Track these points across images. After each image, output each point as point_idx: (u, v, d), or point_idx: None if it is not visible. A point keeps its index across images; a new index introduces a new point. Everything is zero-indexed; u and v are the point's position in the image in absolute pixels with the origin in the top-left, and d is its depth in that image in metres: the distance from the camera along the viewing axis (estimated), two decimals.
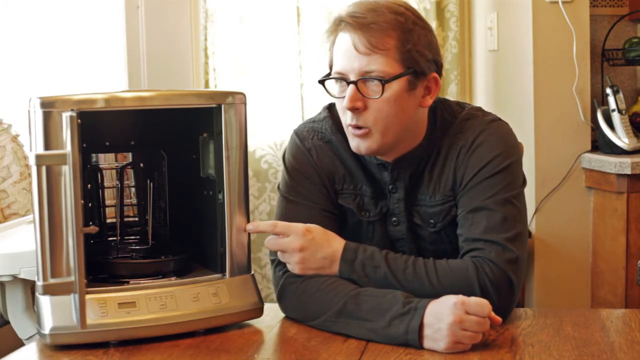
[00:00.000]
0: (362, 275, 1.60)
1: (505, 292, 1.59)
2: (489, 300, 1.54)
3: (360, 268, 1.61)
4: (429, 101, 1.69)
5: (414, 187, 1.74)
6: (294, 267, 1.64)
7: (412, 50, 1.63)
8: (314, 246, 1.62)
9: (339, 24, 1.65)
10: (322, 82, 1.69)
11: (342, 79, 1.65)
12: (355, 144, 1.68)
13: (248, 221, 1.65)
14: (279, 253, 1.65)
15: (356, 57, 1.62)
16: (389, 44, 1.61)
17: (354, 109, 1.64)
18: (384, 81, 1.61)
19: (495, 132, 1.71)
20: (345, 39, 1.63)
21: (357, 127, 1.65)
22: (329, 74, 1.69)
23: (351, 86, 1.63)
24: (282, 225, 1.63)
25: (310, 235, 1.62)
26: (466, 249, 1.63)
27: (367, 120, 1.64)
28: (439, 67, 1.69)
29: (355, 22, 1.62)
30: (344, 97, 1.65)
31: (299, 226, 1.62)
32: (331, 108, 1.81)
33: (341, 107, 1.68)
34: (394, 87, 1.62)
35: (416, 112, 1.69)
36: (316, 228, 1.63)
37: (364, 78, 1.62)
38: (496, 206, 1.63)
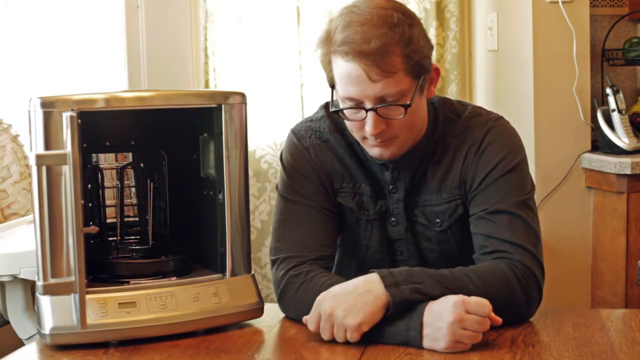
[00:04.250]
0: (413, 291, 1.51)
1: (535, 295, 1.60)
2: (523, 301, 1.58)
3: (405, 284, 1.51)
4: (433, 90, 1.70)
5: (416, 188, 1.74)
6: (347, 321, 1.49)
7: (417, 58, 1.60)
8: (338, 295, 1.52)
9: (342, 54, 1.58)
10: (337, 112, 1.65)
11: (358, 105, 1.62)
12: (378, 152, 1.67)
13: (248, 221, 1.65)
14: (335, 333, 1.52)
15: (369, 85, 1.58)
16: (397, 63, 1.58)
17: (379, 133, 1.62)
18: (407, 106, 1.60)
19: (503, 129, 1.72)
20: (352, 67, 1.58)
21: (383, 140, 1.64)
22: (334, 87, 1.65)
23: (372, 114, 1.60)
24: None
25: (327, 295, 1.53)
26: (491, 249, 1.62)
27: (392, 133, 1.64)
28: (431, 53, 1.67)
29: (361, 51, 1.56)
30: (359, 119, 1.63)
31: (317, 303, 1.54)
32: (328, 107, 1.81)
33: (356, 125, 1.65)
34: (414, 100, 1.62)
35: (424, 107, 1.70)
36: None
37: (383, 105, 1.59)
38: (516, 209, 1.64)
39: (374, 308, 1.49)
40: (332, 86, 1.66)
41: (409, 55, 1.59)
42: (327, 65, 1.64)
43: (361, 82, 1.58)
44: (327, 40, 1.62)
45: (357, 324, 1.48)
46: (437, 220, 1.74)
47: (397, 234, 1.77)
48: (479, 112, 1.75)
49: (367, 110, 1.60)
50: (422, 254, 1.77)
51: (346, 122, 1.69)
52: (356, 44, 1.57)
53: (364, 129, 1.64)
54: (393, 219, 1.76)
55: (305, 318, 1.55)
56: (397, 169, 1.72)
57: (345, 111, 1.64)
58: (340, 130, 1.77)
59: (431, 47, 1.66)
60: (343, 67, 1.60)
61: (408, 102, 1.60)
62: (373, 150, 1.68)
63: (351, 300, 1.49)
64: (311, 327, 1.53)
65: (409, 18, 1.62)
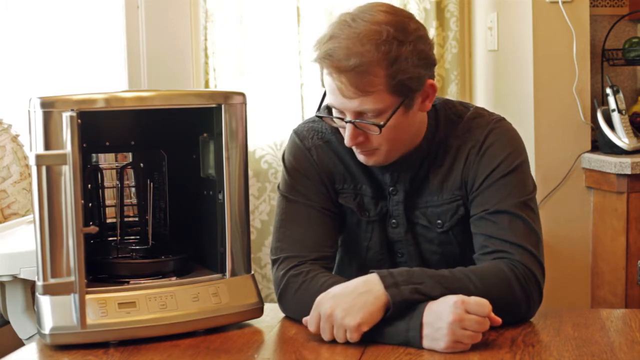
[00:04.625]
0: (413, 291, 1.51)
1: (535, 295, 1.60)
2: (523, 301, 1.57)
3: (405, 284, 1.51)
4: (429, 105, 1.68)
5: (416, 190, 1.74)
6: (347, 322, 1.48)
7: (401, 78, 1.57)
8: (337, 296, 1.51)
9: (321, 62, 1.59)
10: (320, 117, 1.69)
11: (339, 114, 1.64)
12: (362, 159, 1.69)
13: (248, 221, 1.65)
14: (335, 334, 1.51)
15: (348, 99, 1.58)
16: (377, 83, 1.56)
17: (357, 144, 1.63)
18: (380, 126, 1.59)
19: (505, 131, 1.72)
20: (330, 80, 1.59)
21: (364, 150, 1.66)
22: (322, 103, 1.68)
23: (349, 125, 1.61)
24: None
25: (327, 295, 1.52)
26: (492, 249, 1.62)
27: (372, 146, 1.65)
28: (432, 70, 1.65)
29: (339, 66, 1.55)
30: (342, 127, 1.65)
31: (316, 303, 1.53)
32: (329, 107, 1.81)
33: (341, 131, 1.68)
34: (392, 118, 1.60)
35: (417, 118, 1.69)
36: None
37: (359, 120, 1.60)
38: (517, 210, 1.64)
39: (374, 308, 1.49)
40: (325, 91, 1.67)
41: (392, 75, 1.57)
42: (321, 71, 1.65)
43: (339, 96, 1.59)
44: (316, 47, 1.62)
45: (356, 324, 1.48)
46: (439, 221, 1.73)
47: (397, 235, 1.77)
48: (481, 113, 1.75)
49: (346, 122, 1.62)
50: (422, 255, 1.77)
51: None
52: (336, 60, 1.56)
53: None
54: (393, 220, 1.76)
55: (305, 319, 1.55)
56: (397, 171, 1.72)
57: (326, 118, 1.67)
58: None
59: (429, 65, 1.62)
60: (325, 77, 1.61)
61: (382, 123, 1.59)
62: (358, 156, 1.70)
63: (350, 300, 1.49)
64: (311, 327, 1.53)
65: (403, 35, 1.57)
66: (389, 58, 1.56)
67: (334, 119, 1.66)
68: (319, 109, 1.71)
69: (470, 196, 1.70)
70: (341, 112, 1.63)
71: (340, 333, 1.50)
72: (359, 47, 1.55)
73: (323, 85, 1.67)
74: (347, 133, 1.63)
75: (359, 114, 1.60)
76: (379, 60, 1.55)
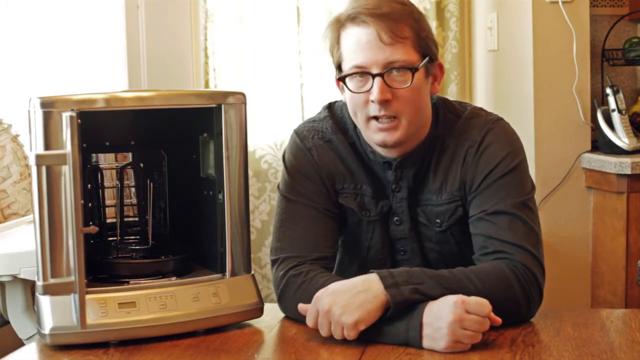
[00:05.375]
0: (413, 291, 1.51)
1: (535, 295, 1.60)
2: (524, 301, 1.58)
3: (405, 285, 1.51)
4: (437, 87, 1.72)
5: (418, 187, 1.74)
6: (344, 319, 1.48)
7: (426, 37, 1.66)
8: (336, 292, 1.51)
9: (353, 19, 1.64)
10: (342, 79, 1.67)
11: (364, 72, 1.64)
12: (381, 137, 1.67)
13: (248, 221, 1.65)
14: (333, 330, 1.51)
15: (380, 49, 1.62)
16: (407, 32, 1.64)
17: (384, 101, 1.63)
18: (414, 69, 1.63)
19: (502, 131, 1.72)
20: (364, 32, 1.63)
21: (387, 118, 1.65)
22: (340, 70, 1.68)
23: (378, 79, 1.63)
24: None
25: (325, 292, 1.52)
26: (491, 249, 1.62)
27: (396, 109, 1.65)
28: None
29: (374, 13, 1.62)
30: (364, 91, 1.65)
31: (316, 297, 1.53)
32: (331, 107, 1.81)
33: (360, 101, 1.66)
34: (418, 75, 1.64)
35: (428, 101, 1.71)
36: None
37: (391, 69, 1.63)
38: (516, 210, 1.64)
39: (372, 307, 1.49)
40: (339, 67, 1.69)
41: (418, 31, 1.65)
42: (335, 45, 1.68)
43: (371, 47, 1.62)
44: (336, 21, 1.67)
45: (354, 321, 1.48)
46: (437, 220, 1.74)
47: (401, 232, 1.76)
48: (478, 113, 1.75)
49: (373, 77, 1.62)
50: (424, 252, 1.77)
51: (350, 104, 1.69)
52: (369, 8, 1.63)
53: (368, 104, 1.65)
54: (396, 218, 1.76)
55: (301, 306, 1.55)
56: (400, 168, 1.72)
57: (350, 83, 1.66)
58: (342, 131, 1.77)
59: (436, 43, 1.71)
60: (354, 34, 1.64)
61: (416, 66, 1.63)
62: (377, 135, 1.67)
63: (348, 298, 1.49)
64: (309, 322, 1.53)
65: (417, 8, 1.70)
66: (414, 16, 1.66)
67: (357, 83, 1.65)
68: (338, 81, 1.70)
69: (469, 197, 1.70)
70: (366, 72, 1.63)
71: (337, 330, 1.50)
72: (389, 2, 1.65)
73: (337, 64, 1.69)
74: (375, 89, 1.63)
75: (387, 66, 1.62)
76: (407, 14, 1.65)
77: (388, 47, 1.61)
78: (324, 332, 1.51)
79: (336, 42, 1.68)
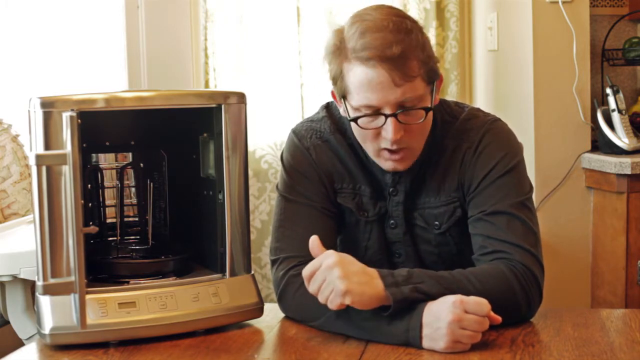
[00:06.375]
0: (413, 290, 1.50)
1: (535, 295, 1.60)
2: (524, 301, 1.57)
3: (405, 284, 1.51)
4: (438, 98, 1.69)
5: (415, 191, 1.74)
6: (339, 282, 1.47)
7: (430, 62, 1.62)
8: (345, 260, 1.50)
9: (363, 61, 1.57)
10: (355, 120, 1.62)
11: (376, 112, 1.60)
12: (393, 166, 1.67)
13: (248, 221, 1.65)
14: (322, 288, 1.50)
15: (391, 89, 1.57)
16: (417, 68, 1.59)
17: (398, 140, 1.61)
18: (427, 109, 1.61)
19: (500, 131, 1.72)
20: (374, 74, 1.57)
21: (399, 149, 1.63)
22: (345, 97, 1.63)
23: (392, 120, 1.59)
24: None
25: (336, 254, 1.51)
26: (490, 249, 1.62)
27: (409, 142, 1.64)
28: None
29: (384, 57, 1.56)
30: (374, 127, 1.62)
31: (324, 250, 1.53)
32: (329, 107, 1.81)
33: (370, 134, 1.64)
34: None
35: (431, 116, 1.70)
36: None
37: (405, 109, 1.59)
38: (514, 210, 1.64)
39: (370, 292, 1.47)
40: (343, 96, 1.64)
41: (425, 61, 1.60)
42: (339, 76, 1.63)
43: (382, 88, 1.57)
44: (340, 50, 1.61)
45: (346, 289, 1.46)
46: (436, 222, 1.73)
47: (396, 236, 1.77)
48: (475, 114, 1.75)
49: (386, 117, 1.59)
50: (420, 256, 1.77)
51: (358, 134, 1.68)
52: (378, 49, 1.56)
53: (379, 138, 1.63)
54: (392, 221, 1.76)
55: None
56: (398, 172, 1.72)
57: (361, 121, 1.63)
58: (341, 131, 1.76)
59: (437, 59, 1.67)
60: (362, 74, 1.58)
61: (429, 105, 1.61)
62: (387, 163, 1.67)
63: (355, 270, 1.48)
64: (306, 271, 1.51)
65: (418, 25, 1.64)
66: (419, 45, 1.60)
67: (368, 121, 1.61)
68: (345, 112, 1.66)
69: (467, 197, 1.70)
70: (377, 110, 1.60)
71: (327, 290, 1.48)
72: (394, 36, 1.57)
73: (341, 94, 1.63)
74: (389, 129, 1.60)
75: (399, 106, 1.59)
76: (414, 46, 1.59)
77: (400, 88, 1.57)
78: (314, 287, 1.50)
79: (339, 73, 1.63)
